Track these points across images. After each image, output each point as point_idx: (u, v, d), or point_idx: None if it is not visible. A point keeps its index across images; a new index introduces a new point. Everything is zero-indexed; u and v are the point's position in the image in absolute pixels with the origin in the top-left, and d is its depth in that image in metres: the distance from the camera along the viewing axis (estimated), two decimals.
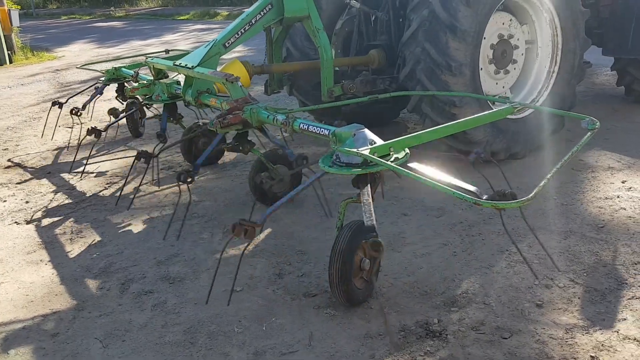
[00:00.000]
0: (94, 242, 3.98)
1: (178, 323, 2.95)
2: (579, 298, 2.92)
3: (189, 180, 3.83)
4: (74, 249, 3.90)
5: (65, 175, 5.45)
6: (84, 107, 6.09)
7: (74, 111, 5.97)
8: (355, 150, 2.81)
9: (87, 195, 4.90)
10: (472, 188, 2.71)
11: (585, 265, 3.21)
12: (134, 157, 4.39)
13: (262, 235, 3.89)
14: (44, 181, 5.35)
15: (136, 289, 3.31)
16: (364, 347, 2.65)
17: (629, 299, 2.88)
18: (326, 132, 3.22)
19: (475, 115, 3.39)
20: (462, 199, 2.43)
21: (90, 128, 4.88)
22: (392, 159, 2.93)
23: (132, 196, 4.59)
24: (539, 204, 4.00)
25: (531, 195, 2.35)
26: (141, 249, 3.81)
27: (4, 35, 13.09)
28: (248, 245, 2.91)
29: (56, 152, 6.22)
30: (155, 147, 4.55)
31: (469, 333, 2.70)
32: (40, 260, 3.76)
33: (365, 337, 2.73)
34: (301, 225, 4.00)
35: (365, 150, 2.81)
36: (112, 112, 5.91)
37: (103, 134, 5.23)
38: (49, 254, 3.85)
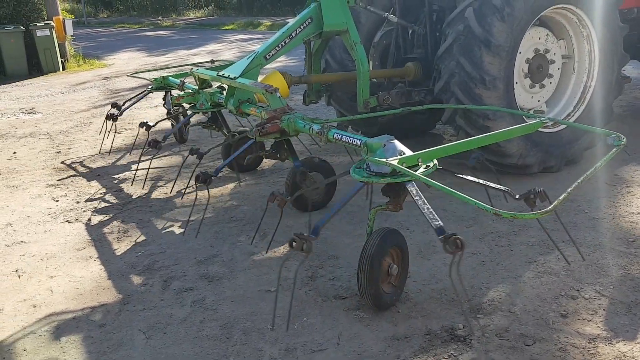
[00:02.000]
0: (138, 241, 4.22)
1: (215, 319, 3.14)
2: (604, 309, 2.97)
3: (208, 181, 4.04)
4: (121, 247, 4.14)
5: (114, 178, 5.74)
6: (121, 112, 6.42)
7: (112, 116, 6.29)
8: (384, 160, 2.95)
9: (134, 197, 5.17)
10: (505, 188, 2.82)
11: (612, 278, 3.25)
12: (187, 155, 4.62)
13: None
14: (94, 183, 5.66)
15: (177, 286, 3.51)
16: (390, 348, 2.78)
17: None
18: (358, 142, 3.37)
19: (504, 129, 3.48)
20: (483, 209, 2.54)
21: (151, 141, 5.05)
22: (420, 170, 3.06)
23: (177, 199, 4.82)
24: (569, 217, 4.05)
25: (551, 206, 2.44)
26: (182, 249, 4.03)
27: (58, 43, 13.72)
28: (306, 258, 3.02)
29: (106, 155, 6.55)
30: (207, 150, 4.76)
31: (493, 339, 2.79)
32: (90, 257, 4.01)
33: (391, 338, 2.85)
34: (335, 231, 4.15)
35: (394, 161, 2.95)
36: (144, 125, 5.81)
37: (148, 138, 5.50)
38: (97, 251, 4.11)
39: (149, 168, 5.50)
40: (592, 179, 2.79)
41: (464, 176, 3.28)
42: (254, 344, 2.89)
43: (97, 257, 4.00)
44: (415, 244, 3.84)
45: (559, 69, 5.15)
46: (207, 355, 2.82)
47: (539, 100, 5.14)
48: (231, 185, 5.29)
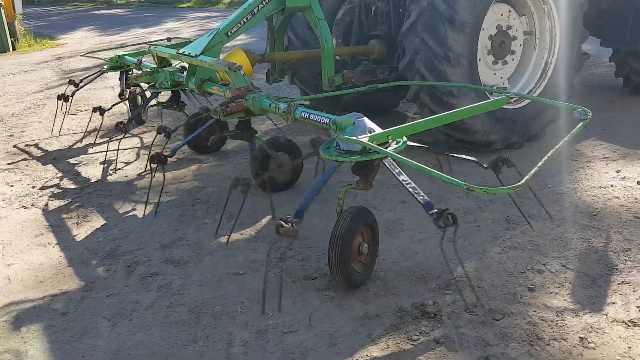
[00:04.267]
0: (99, 226, 4.08)
1: (183, 304, 3.06)
2: (570, 282, 3.02)
3: (163, 161, 3.95)
4: (81, 233, 4.00)
5: (71, 161, 5.54)
6: (73, 93, 6.20)
7: (64, 96, 6.06)
8: (354, 138, 2.90)
9: (92, 180, 5.00)
10: (473, 158, 2.83)
11: (577, 252, 3.31)
12: (155, 134, 4.52)
13: (263, 221, 3.99)
14: (50, 167, 5.45)
15: (142, 271, 3.42)
16: (361, 327, 2.76)
17: (619, 284, 2.98)
18: (326, 121, 3.31)
19: (471, 105, 3.48)
20: (456, 185, 2.53)
21: (118, 123, 4.87)
22: (390, 147, 3.03)
23: (135, 182, 4.68)
24: (533, 192, 4.09)
25: (522, 181, 2.45)
26: (145, 233, 3.92)
27: (7, 23, 13.13)
28: (292, 242, 2.95)
29: (61, 138, 6.31)
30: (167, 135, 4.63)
31: (463, 315, 2.81)
32: (48, 243, 3.86)
33: (363, 317, 2.84)
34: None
35: (365, 138, 2.91)
36: (98, 110, 5.56)
37: (107, 116, 5.32)
38: (56, 237, 3.96)
39: (107, 151, 5.32)
40: (554, 154, 2.82)
41: (433, 151, 3.29)
42: (224, 328, 2.83)
43: (57, 244, 3.86)
44: (383, 222, 3.82)
45: (520, 45, 5.19)
46: (176, 341, 2.75)
47: (501, 77, 5.17)
48: (194, 167, 5.17)
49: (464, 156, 3.25)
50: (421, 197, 2.79)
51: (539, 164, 2.61)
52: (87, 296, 3.19)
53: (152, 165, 3.97)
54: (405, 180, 2.91)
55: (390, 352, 2.57)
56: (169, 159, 4.07)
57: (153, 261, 3.53)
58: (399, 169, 2.98)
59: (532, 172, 2.53)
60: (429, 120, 3.23)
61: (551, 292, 2.95)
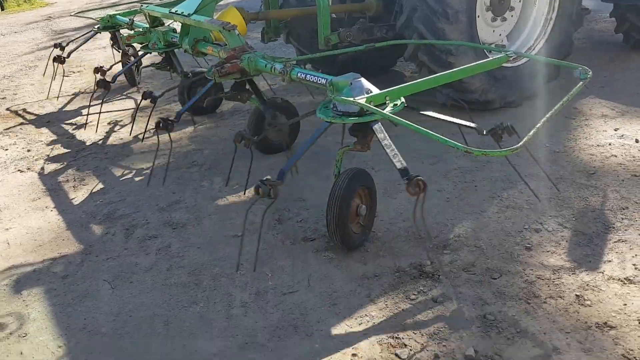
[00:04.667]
0: (96, 190, 4.07)
1: (182, 266, 3.08)
2: (566, 241, 3.04)
3: (169, 127, 3.90)
4: (78, 196, 4.00)
5: (65, 124, 5.49)
6: (69, 55, 6.06)
7: (59, 59, 5.95)
8: (352, 99, 2.87)
9: (87, 143, 4.97)
10: (473, 125, 2.79)
11: (574, 210, 3.32)
12: (140, 99, 4.44)
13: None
14: (44, 130, 5.41)
15: (140, 234, 3.42)
16: (360, 287, 2.79)
17: (615, 242, 3.00)
18: (323, 81, 3.27)
19: (470, 64, 3.43)
20: (454, 147, 2.51)
21: (99, 80, 4.81)
22: (388, 108, 3.00)
23: (132, 145, 4.65)
24: (531, 151, 4.08)
25: (521, 143, 2.43)
26: (143, 196, 3.91)
27: None
28: (271, 204, 2.97)
29: (54, 100, 6.24)
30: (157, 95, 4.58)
31: (460, 274, 2.83)
32: (46, 207, 3.86)
33: (362, 278, 2.86)
34: (301, 172, 4.08)
35: (362, 99, 2.87)
36: (99, 70, 5.33)
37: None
38: (53, 200, 3.95)
39: (99, 112, 5.24)
40: (552, 115, 2.80)
41: (430, 114, 3.24)
42: (223, 289, 2.85)
43: (54, 207, 3.85)
44: (381, 184, 3.82)
45: (520, 1, 5.08)
46: (177, 303, 2.77)
47: (500, 34, 5.09)
48: (190, 129, 5.13)
49: (463, 122, 3.19)
50: (399, 163, 2.76)
51: (538, 125, 2.59)
52: (86, 259, 3.21)
53: (159, 130, 3.91)
54: (387, 145, 2.87)
55: (389, 311, 2.60)
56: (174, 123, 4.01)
57: (151, 224, 3.53)
58: (384, 133, 2.93)
59: (531, 133, 2.51)
60: (428, 80, 3.18)
61: (548, 251, 2.97)
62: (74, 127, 5.41)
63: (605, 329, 2.40)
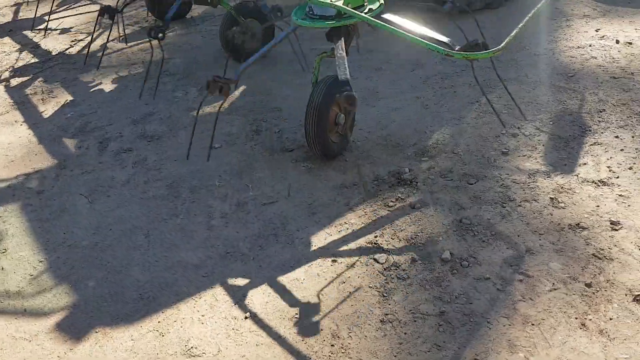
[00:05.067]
0: (66, 102, 3.94)
1: (160, 179, 3.05)
2: (543, 145, 3.06)
3: (160, 35, 3.74)
4: (47, 109, 3.87)
5: (28, 33, 5.23)
6: None
7: None
8: (328, 1, 2.74)
9: (54, 53, 4.76)
10: (445, 39, 2.71)
11: (552, 114, 3.32)
12: (97, 13, 4.23)
13: (237, 93, 3.89)
14: (7, 40, 5.15)
15: (115, 147, 3.36)
16: (339, 196, 2.80)
17: (591, 145, 3.03)
18: None
19: None
20: (435, 51, 2.45)
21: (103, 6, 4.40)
22: (366, 11, 2.89)
23: (99, 54, 4.46)
24: (511, 54, 4.02)
25: (502, 45, 2.37)
26: (115, 108, 3.81)
27: None
28: (223, 102, 2.95)
29: (15, 7, 5.90)
30: (118, 2, 4.35)
31: (438, 180, 2.86)
32: (15, 121, 3.74)
33: (340, 187, 2.87)
34: (276, 81, 3.99)
35: (339, 2, 2.75)
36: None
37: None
38: (22, 114, 3.83)
39: (63, 17, 4.99)
40: (534, 15, 2.72)
41: (405, 24, 3.08)
42: (203, 201, 2.85)
43: (24, 121, 3.74)
44: (360, 91, 3.75)
45: None
46: (157, 215, 2.77)
47: None
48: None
49: (435, 35, 2.96)
50: (343, 75, 2.70)
51: (520, 25, 2.52)
52: (61, 174, 3.16)
53: (151, 39, 3.72)
54: (340, 55, 2.79)
55: (368, 218, 2.64)
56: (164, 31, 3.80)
57: (125, 137, 3.46)
58: (341, 42, 2.84)
59: (512, 34, 2.44)
60: None
61: (524, 155, 2.99)
62: (37, 36, 5.15)
63: (578, 230, 2.47)
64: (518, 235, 2.46)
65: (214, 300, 2.25)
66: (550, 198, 2.67)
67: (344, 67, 2.69)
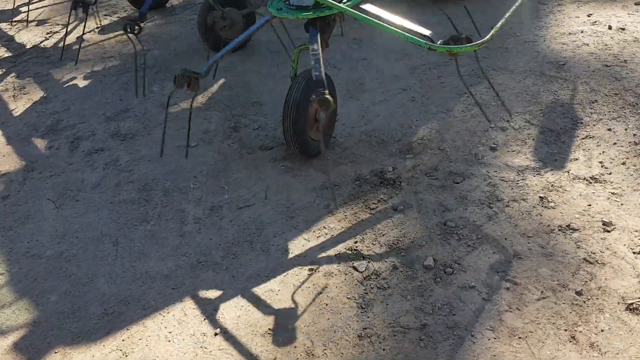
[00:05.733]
0: (38, 99, 3.78)
1: (132, 181, 2.91)
2: (533, 139, 2.93)
3: (136, 29, 3.57)
4: (18, 107, 3.71)
5: (3, 25, 5.04)
6: None
7: None
8: None
9: (28, 47, 4.58)
10: (426, 32, 2.56)
11: (542, 106, 3.18)
12: (70, 5, 4.06)
13: (215, 86, 3.73)
14: None
15: (86, 147, 3.21)
16: (319, 199, 2.67)
17: (583, 138, 2.89)
18: None
19: None
20: (416, 44, 2.30)
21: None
22: (345, 0, 2.73)
23: (76, 47, 4.29)
24: (500, 42, 3.87)
25: (486, 37, 2.23)
26: (88, 105, 3.65)
27: None
28: (194, 98, 2.80)
29: None
30: None
31: (422, 179, 2.72)
32: None
33: (320, 188, 2.74)
34: (257, 74, 3.83)
35: None
36: None
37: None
38: None
39: (39, 7, 4.81)
40: (522, 4, 2.56)
41: (385, 16, 2.90)
42: (176, 205, 2.71)
43: None
44: (343, 84, 3.61)
45: None
46: (126, 221, 2.63)
47: None
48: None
49: (416, 28, 2.75)
50: (316, 74, 2.52)
51: (506, 15, 2.36)
52: (29, 177, 3.01)
53: (127, 34, 3.55)
54: (315, 50, 2.60)
55: (348, 222, 2.50)
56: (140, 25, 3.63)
57: (98, 136, 3.31)
58: (317, 36, 2.65)
59: (498, 25, 2.29)
60: None
61: (513, 151, 2.86)
62: (13, 27, 4.97)
63: (568, 231, 2.34)
64: (505, 239, 2.34)
65: (182, 315, 2.12)
66: (540, 197, 2.54)
67: (319, 64, 2.51)
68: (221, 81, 3.79)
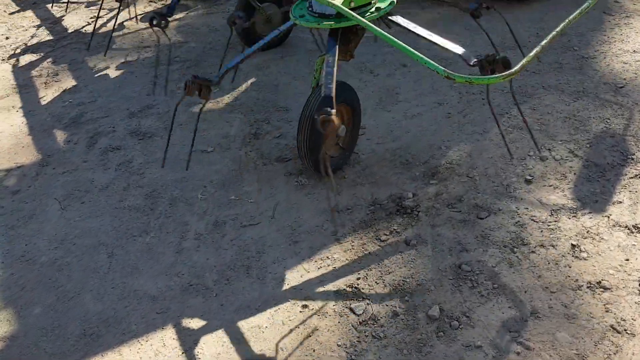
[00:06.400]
0: (68, 87, 3.75)
1: (141, 185, 2.80)
2: (574, 174, 2.63)
3: (163, 23, 3.45)
4: (47, 95, 3.69)
5: (51, 7, 5.06)
6: None
7: None
8: None
9: (69, 31, 4.57)
10: (459, 50, 2.31)
11: (590, 135, 2.86)
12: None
13: (244, 86, 3.59)
14: (29, 13, 5.01)
15: (103, 144, 3.13)
16: (328, 223, 2.48)
17: (631, 177, 2.58)
18: None
19: None
20: (434, 70, 2.07)
21: None
22: (372, 10, 2.51)
23: (115, 34, 4.23)
24: (555, 56, 3.53)
25: (516, 68, 1.97)
26: (115, 98, 3.58)
27: None
28: (203, 106, 2.66)
29: None
30: None
31: (443, 211, 2.48)
32: (12, 107, 3.58)
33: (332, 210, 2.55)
34: (288, 76, 3.65)
35: (339, 0, 2.37)
36: None
37: None
38: (21, 99, 3.66)
39: None
40: (564, 28, 2.23)
41: (415, 29, 2.63)
42: (179, 217, 2.59)
43: (20, 107, 3.57)
44: (377, 91, 3.39)
45: None
46: (126, 231, 2.53)
47: None
48: (180, 15, 4.66)
49: (449, 45, 2.49)
50: (328, 91, 2.25)
51: (543, 43, 2.08)
52: (42, 172, 2.96)
53: (153, 27, 3.43)
54: (329, 64, 2.35)
55: (354, 254, 2.31)
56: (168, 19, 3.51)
57: (117, 133, 3.23)
58: (335, 48, 2.42)
59: (532, 54, 2.02)
60: None
61: (550, 185, 2.57)
62: (59, 11, 4.98)
63: (598, 290, 2.07)
64: (525, 291, 2.09)
65: (161, 346, 2.00)
66: (572, 244, 2.26)
67: (331, 79, 2.29)
68: (251, 80, 3.64)
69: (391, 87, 3.44)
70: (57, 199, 2.76)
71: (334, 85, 2.23)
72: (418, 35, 2.45)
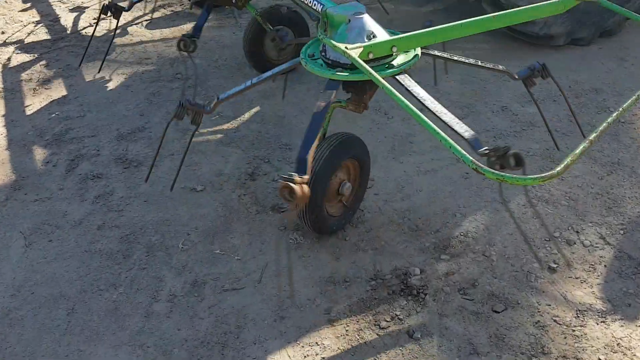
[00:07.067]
0: (57, 97, 3.46)
1: (117, 225, 2.51)
2: (605, 265, 2.32)
3: (192, 47, 3.16)
4: (34, 104, 3.40)
5: (53, 2, 4.78)
6: None
7: None
8: (342, 46, 2.06)
9: (68, 31, 4.28)
10: (467, 134, 1.99)
11: (625, 218, 2.55)
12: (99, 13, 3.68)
13: (247, 115, 3.29)
14: (29, 7, 4.73)
15: (84, 170, 2.84)
16: (321, 297, 2.18)
17: None
18: (319, 7, 2.45)
19: (526, 7, 2.51)
20: (461, 158, 1.77)
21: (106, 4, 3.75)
22: (395, 62, 2.21)
23: (110, 42, 3.93)
24: (588, 117, 3.22)
25: (557, 169, 1.66)
26: (105, 115, 3.28)
27: None
28: (194, 134, 2.39)
29: None
30: None
31: (454, 297, 2.18)
32: None
33: (327, 281, 2.24)
34: (296, 108, 3.36)
35: (356, 50, 2.07)
36: None
37: None
38: (6, 105, 3.39)
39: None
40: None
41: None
42: (154, 271, 2.29)
43: (2, 115, 3.29)
44: (390, 137, 3.09)
45: None
46: (93, 282, 2.23)
47: None
48: (187, 26, 4.36)
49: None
50: (303, 150, 1.99)
51: (590, 137, 1.77)
52: (12, 197, 2.67)
53: (180, 50, 3.15)
54: (316, 119, 2.13)
55: (347, 342, 2.00)
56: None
57: (101, 157, 2.93)
58: (331, 97, 2.18)
59: (577, 151, 1.72)
60: (460, 26, 2.31)
61: (577, 278, 2.26)
62: (61, 7, 4.70)
63: None
64: None
65: None
66: (599, 359, 1.95)
67: (312, 138, 1.99)
68: (255, 109, 3.34)
69: (406, 135, 3.13)
70: (22, 232, 2.46)
71: (314, 145, 1.95)
72: (424, 106, 2.15)
